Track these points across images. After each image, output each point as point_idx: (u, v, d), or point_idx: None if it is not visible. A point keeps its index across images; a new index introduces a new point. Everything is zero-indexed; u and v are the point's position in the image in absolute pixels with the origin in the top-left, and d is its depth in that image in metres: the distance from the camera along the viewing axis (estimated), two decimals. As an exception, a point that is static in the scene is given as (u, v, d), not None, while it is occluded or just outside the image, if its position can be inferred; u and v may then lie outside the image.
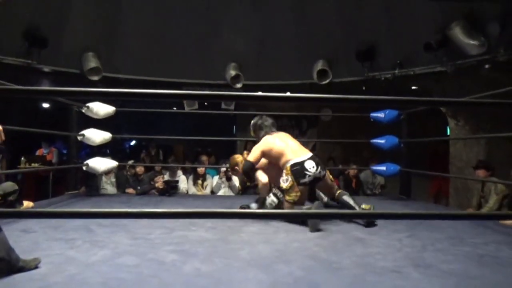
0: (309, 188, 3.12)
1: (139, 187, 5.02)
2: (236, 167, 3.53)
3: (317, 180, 3.07)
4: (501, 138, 5.18)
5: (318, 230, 2.70)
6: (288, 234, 2.64)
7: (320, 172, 3.05)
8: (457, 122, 5.92)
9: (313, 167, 3.02)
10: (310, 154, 3.12)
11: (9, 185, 3.07)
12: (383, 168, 4.48)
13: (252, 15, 5.47)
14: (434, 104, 3.44)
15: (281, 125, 8.56)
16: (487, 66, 4.57)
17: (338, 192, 3.23)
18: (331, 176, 3.33)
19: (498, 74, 4.62)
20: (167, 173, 5.52)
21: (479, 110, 5.26)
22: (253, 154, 3.14)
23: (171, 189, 4.63)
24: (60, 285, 1.69)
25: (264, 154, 3.15)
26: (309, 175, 3.00)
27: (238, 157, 3.59)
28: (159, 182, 4.68)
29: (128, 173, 5.39)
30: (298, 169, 3.00)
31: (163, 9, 5.37)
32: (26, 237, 2.39)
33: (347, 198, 3.14)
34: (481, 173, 4.28)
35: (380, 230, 2.75)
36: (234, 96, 1.58)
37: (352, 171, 5.72)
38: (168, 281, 1.75)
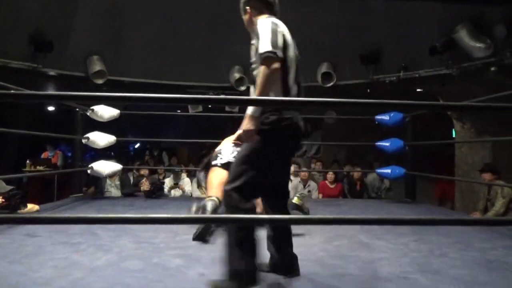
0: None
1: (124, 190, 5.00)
2: None
3: (227, 165, 2.90)
4: (508, 141, 5.14)
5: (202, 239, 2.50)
6: (293, 238, 2.61)
7: (231, 159, 2.90)
8: (462, 125, 5.88)
9: (227, 154, 3.01)
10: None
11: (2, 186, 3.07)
12: (388, 170, 4.45)
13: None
14: (441, 108, 3.42)
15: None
16: (493, 69, 4.54)
17: None
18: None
19: (504, 77, 4.59)
20: (171, 176, 5.53)
21: (485, 113, 5.22)
22: None
23: (157, 190, 4.62)
24: (64, 289, 1.68)
25: None
26: (221, 160, 3.03)
27: None
28: (145, 185, 4.64)
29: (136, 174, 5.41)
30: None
31: (167, 13, 5.39)
32: (30, 241, 2.39)
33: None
34: (487, 176, 4.24)
35: (386, 234, 2.72)
36: (239, 100, 1.58)
37: (356, 174, 5.69)
38: (173, 287, 1.74)
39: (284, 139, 1.73)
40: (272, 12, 1.85)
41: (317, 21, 5.46)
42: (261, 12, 1.83)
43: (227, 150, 3.06)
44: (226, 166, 2.97)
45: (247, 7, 1.87)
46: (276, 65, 1.61)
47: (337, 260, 2.15)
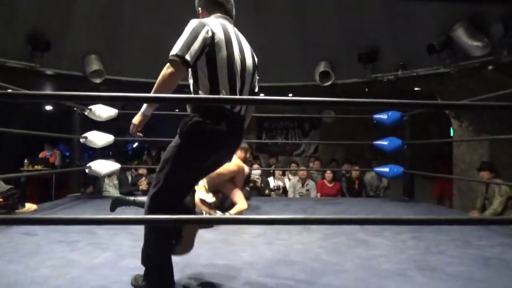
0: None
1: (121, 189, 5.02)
2: None
3: None
4: (506, 140, 5.15)
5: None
6: (290, 235, 2.62)
7: None
8: (460, 124, 5.89)
9: None
10: None
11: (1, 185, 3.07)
12: (386, 169, 4.45)
13: (254, 18, 5.48)
14: (439, 107, 3.42)
15: (283, 127, 8.67)
16: (490, 67, 4.55)
17: None
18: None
19: (501, 76, 4.60)
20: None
21: (483, 111, 5.23)
22: None
23: None
24: (62, 288, 1.68)
25: None
26: None
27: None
28: (143, 184, 4.66)
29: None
30: None
31: (165, 12, 5.38)
32: (28, 240, 2.39)
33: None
34: (485, 174, 4.25)
35: (384, 232, 2.73)
36: (236, 100, 1.58)
37: (354, 173, 5.70)
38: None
39: (201, 145, 1.60)
40: (223, 11, 1.76)
41: (315, 20, 5.46)
42: (212, 12, 1.77)
43: None
44: None
45: (199, 8, 1.84)
46: (175, 69, 1.54)
47: (335, 257, 2.15)
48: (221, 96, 1.62)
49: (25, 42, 4.81)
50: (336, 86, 5.75)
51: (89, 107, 4.17)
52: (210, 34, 1.58)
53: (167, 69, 1.55)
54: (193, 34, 1.56)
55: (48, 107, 8.62)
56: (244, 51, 1.72)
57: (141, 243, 2.34)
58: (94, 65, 5.28)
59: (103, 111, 4.23)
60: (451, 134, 6.53)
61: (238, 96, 1.65)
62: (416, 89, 6.21)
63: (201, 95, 1.64)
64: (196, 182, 1.80)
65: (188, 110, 1.69)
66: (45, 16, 4.88)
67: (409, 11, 4.92)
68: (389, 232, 2.72)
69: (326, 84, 5.64)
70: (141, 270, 1.90)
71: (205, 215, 2.90)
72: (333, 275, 1.88)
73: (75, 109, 4.44)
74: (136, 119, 1.67)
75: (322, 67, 5.61)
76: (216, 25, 1.63)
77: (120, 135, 5.35)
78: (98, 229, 2.67)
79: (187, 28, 1.60)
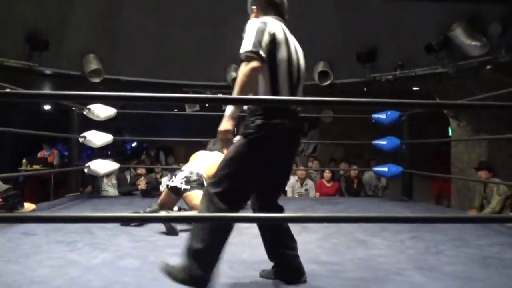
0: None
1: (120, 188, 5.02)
2: None
3: (173, 190, 3.04)
4: (504, 139, 5.17)
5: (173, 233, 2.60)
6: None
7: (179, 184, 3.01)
8: (459, 123, 5.91)
9: (178, 179, 3.03)
10: (192, 168, 3.12)
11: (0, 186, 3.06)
12: (385, 169, 4.46)
13: (253, 17, 5.47)
14: (438, 107, 3.43)
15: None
16: (488, 67, 4.56)
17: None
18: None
19: (499, 75, 4.61)
20: (168, 175, 5.53)
21: (481, 111, 5.25)
22: None
23: (153, 190, 4.62)
24: (61, 288, 1.68)
25: None
26: (171, 182, 3.07)
27: None
28: (142, 183, 4.65)
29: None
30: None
31: (164, 11, 5.37)
32: (27, 240, 2.39)
33: None
34: (483, 174, 4.26)
35: (383, 232, 2.73)
36: (237, 100, 1.57)
37: (353, 173, 5.70)
38: (170, 285, 1.74)
39: (269, 144, 1.61)
40: (278, 12, 1.79)
41: (314, 20, 5.45)
42: (266, 13, 1.77)
43: (182, 173, 3.08)
44: (173, 190, 3.04)
45: (253, 7, 1.83)
46: (255, 63, 1.53)
47: (334, 257, 2.16)
48: (223, 96, 1.64)
49: (24, 42, 4.79)
50: (335, 86, 5.74)
51: (88, 106, 4.17)
52: (272, 32, 1.62)
53: (246, 66, 1.54)
54: (260, 32, 1.59)
55: (47, 107, 8.60)
56: (298, 52, 1.77)
57: (139, 244, 2.35)
58: (93, 64, 5.27)
59: (101, 111, 4.22)
60: (450, 134, 6.55)
61: (238, 96, 1.64)
62: (414, 88, 6.21)
63: (260, 93, 1.64)
64: (265, 185, 1.73)
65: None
66: (43, 15, 4.86)
67: (408, 10, 4.92)
68: (388, 232, 2.73)
69: (325, 84, 5.63)
70: (139, 270, 1.90)
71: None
72: (332, 276, 1.88)
73: (74, 108, 4.44)
74: (226, 126, 1.57)
75: (320, 66, 5.61)
76: (276, 25, 1.67)
77: (118, 135, 5.35)
78: (97, 229, 2.66)
79: (251, 28, 1.61)
